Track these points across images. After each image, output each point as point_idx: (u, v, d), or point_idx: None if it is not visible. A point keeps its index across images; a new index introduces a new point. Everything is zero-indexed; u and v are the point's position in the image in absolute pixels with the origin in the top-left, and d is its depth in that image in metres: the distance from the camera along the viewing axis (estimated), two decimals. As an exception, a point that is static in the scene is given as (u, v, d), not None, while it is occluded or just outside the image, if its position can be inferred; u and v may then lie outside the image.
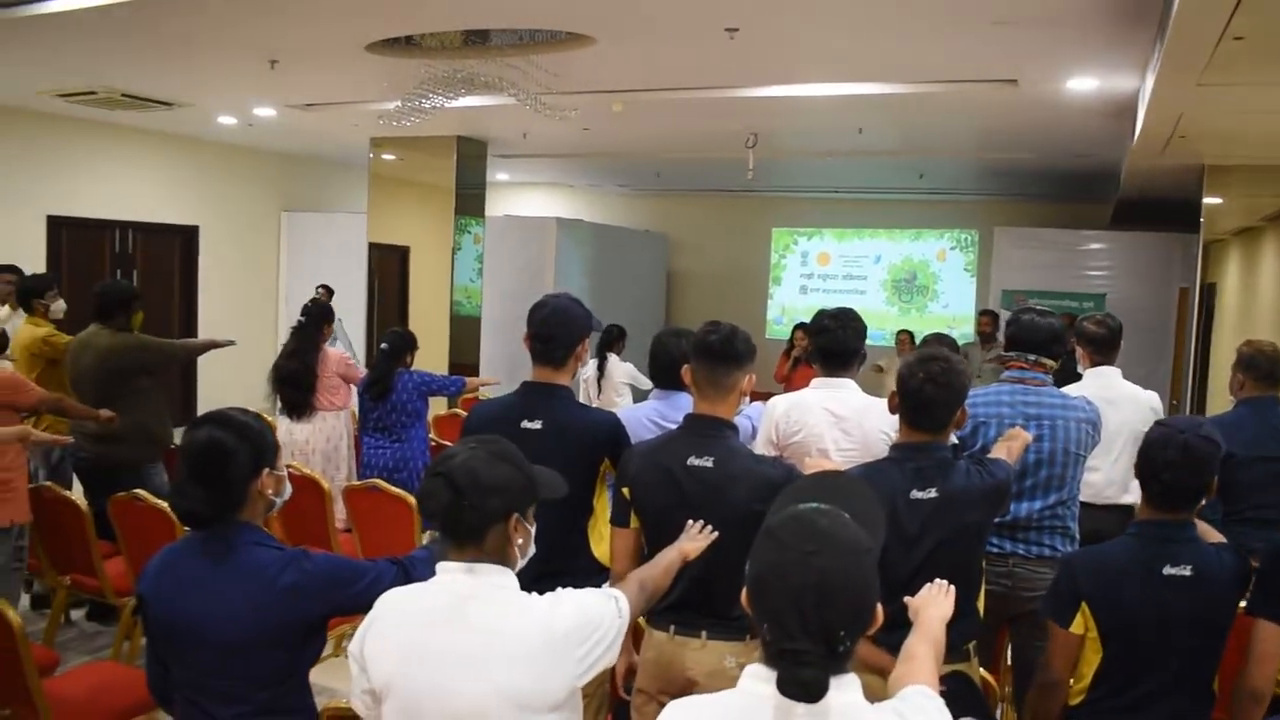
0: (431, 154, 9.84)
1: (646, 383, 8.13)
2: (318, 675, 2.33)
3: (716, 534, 2.58)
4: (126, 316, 5.19)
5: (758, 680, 1.56)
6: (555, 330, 2.98)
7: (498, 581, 1.92)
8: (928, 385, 2.64)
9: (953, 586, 2.24)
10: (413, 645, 1.88)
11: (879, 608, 1.58)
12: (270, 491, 2.23)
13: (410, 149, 9.99)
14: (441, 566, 1.93)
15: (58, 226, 9.66)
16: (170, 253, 11.00)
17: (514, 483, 1.94)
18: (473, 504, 1.88)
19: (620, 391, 7.29)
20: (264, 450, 2.20)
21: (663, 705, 2.72)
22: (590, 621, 1.96)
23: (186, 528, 2.23)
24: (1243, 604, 2.56)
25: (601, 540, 2.98)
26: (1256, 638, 2.47)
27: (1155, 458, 2.50)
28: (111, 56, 6.76)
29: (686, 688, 2.70)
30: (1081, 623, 2.53)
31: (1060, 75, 6.12)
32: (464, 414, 7.26)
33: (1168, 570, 2.46)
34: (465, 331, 10.04)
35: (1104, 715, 2.54)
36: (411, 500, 4.69)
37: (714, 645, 2.69)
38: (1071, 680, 2.62)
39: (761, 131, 8.56)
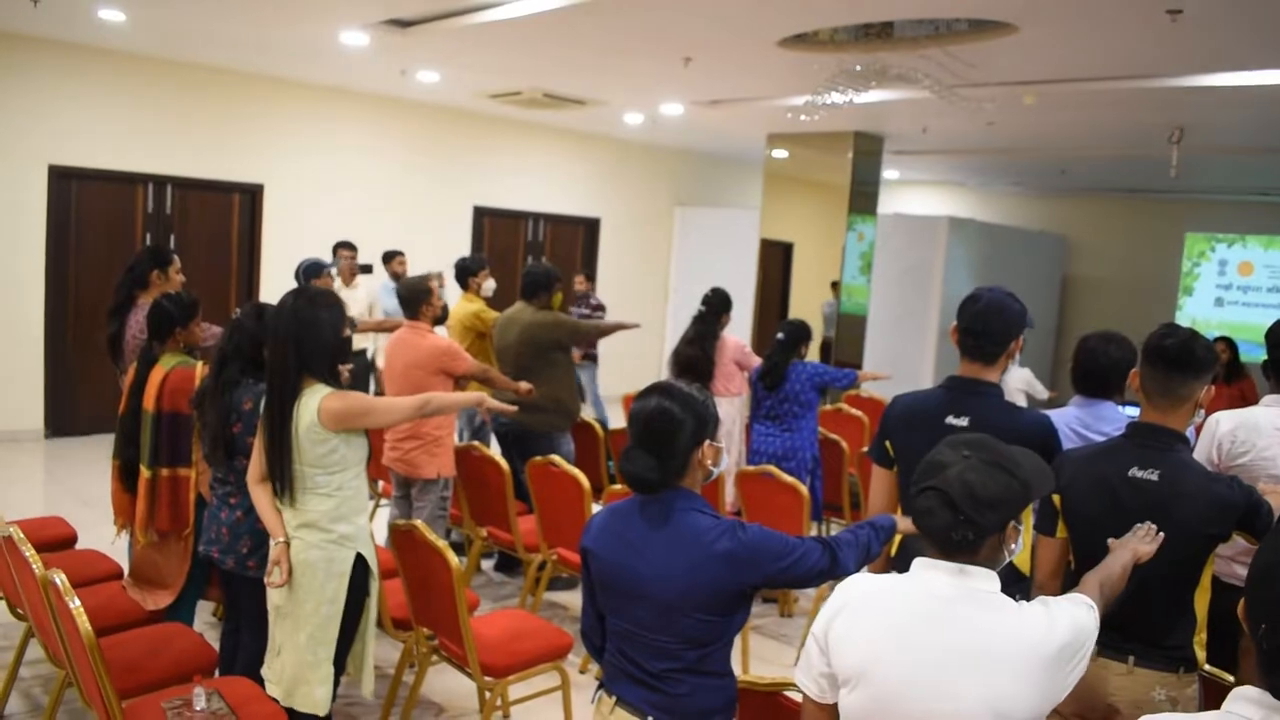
0: (826, 150, 9.85)
1: (1043, 391, 7.75)
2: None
3: (1163, 536, 2.40)
4: (548, 295, 5.62)
5: (1248, 703, 1.40)
6: (990, 324, 2.85)
7: (986, 586, 1.85)
8: None
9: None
10: (896, 637, 1.84)
11: None
12: (709, 462, 2.30)
13: (804, 145, 10.06)
14: (924, 562, 1.89)
15: (481, 215, 10.67)
16: (574, 241, 11.82)
17: (1011, 493, 1.84)
18: (970, 520, 1.81)
19: (1015, 398, 6.95)
20: (707, 421, 2.28)
21: (1079, 730, 2.58)
22: (1079, 636, 1.86)
23: (632, 491, 2.34)
24: None
25: (1022, 548, 2.84)
26: None
27: None
28: (541, 59, 7.33)
29: (1108, 715, 2.53)
30: None
31: None
32: (847, 409, 7.22)
33: None
34: (849, 328, 9.99)
35: None
36: (802, 489, 4.74)
37: (1142, 674, 2.49)
38: None
39: (1188, 125, 7.83)
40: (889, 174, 12.93)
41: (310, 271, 5.90)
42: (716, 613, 2.22)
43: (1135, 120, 7.89)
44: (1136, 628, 2.51)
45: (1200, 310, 12.58)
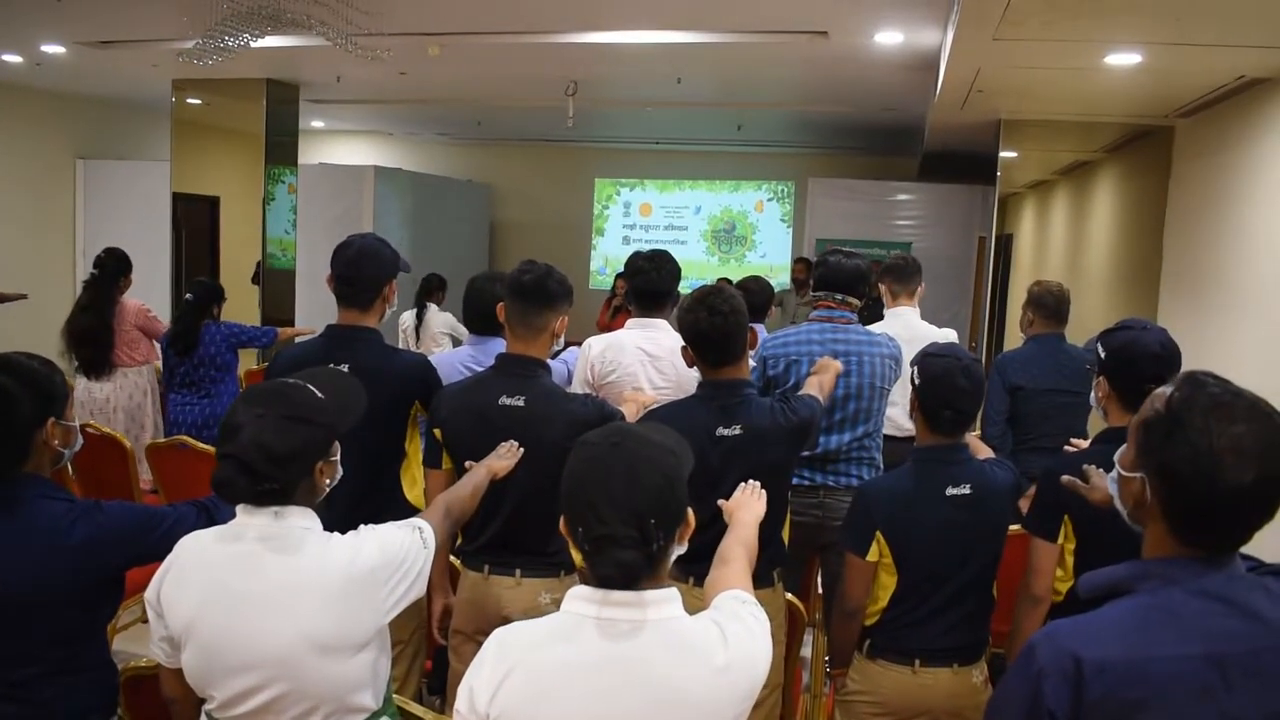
0: (240, 98, 9.35)
1: (466, 333, 8.08)
2: (123, 643, 2.24)
3: (523, 450, 2.60)
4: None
5: (579, 600, 1.58)
6: (362, 271, 2.90)
7: (301, 523, 1.87)
8: (716, 319, 2.70)
9: (763, 490, 2.31)
10: (213, 589, 1.82)
11: (690, 514, 1.61)
12: (58, 442, 2.11)
13: (217, 92, 9.48)
14: (244, 509, 1.87)
15: None
16: (-50, 202, 10.20)
17: (311, 442, 1.87)
18: (271, 478, 1.81)
19: (439, 341, 7.21)
20: (51, 398, 2.09)
21: (480, 645, 2.76)
22: (394, 557, 1.93)
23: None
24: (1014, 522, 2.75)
25: (415, 484, 2.96)
26: (1034, 552, 2.62)
27: (947, 389, 2.57)
28: None
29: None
30: (876, 550, 2.62)
31: (869, 28, 6.24)
32: (278, 367, 7.03)
33: (950, 491, 2.59)
34: (279, 284, 9.67)
35: (899, 630, 2.64)
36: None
37: (529, 583, 2.71)
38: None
39: (581, 79, 8.49)
40: (315, 123, 12.66)
41: None
42: (82, 606, 2.06)
43: (535, 73, 8.37)
44: (520, 543, 2.72)
45: (611, 249, 13.87)
